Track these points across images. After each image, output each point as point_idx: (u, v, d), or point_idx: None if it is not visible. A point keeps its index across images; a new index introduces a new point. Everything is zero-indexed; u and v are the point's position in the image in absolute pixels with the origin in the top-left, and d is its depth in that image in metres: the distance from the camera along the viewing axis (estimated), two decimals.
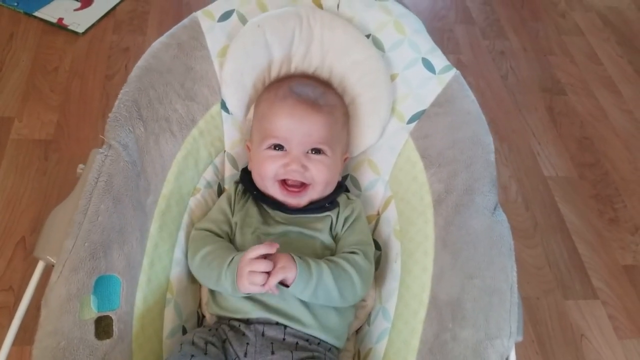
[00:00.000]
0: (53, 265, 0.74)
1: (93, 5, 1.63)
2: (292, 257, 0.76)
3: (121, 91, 0.87)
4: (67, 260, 0.72)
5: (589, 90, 1.71)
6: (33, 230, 1.16)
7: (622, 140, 1.59)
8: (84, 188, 0.76)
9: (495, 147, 1.48)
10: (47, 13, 1.59)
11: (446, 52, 1.75)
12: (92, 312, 0.73)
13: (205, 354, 0.72)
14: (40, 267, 0.76)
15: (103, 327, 0.74)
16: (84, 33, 1.56)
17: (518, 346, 1.08)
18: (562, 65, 1.78)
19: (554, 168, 1.48)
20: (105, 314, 0.74)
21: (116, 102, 0.85)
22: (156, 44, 0.93)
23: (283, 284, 0.76)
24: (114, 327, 0.74)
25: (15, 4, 1.59)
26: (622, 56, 1.84)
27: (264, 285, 0.73)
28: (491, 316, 0.75)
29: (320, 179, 0.84)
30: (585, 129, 1.60)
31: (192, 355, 0.71)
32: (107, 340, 0.73)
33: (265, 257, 0.75)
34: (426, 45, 0.97)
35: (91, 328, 0.72)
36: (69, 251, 0.72)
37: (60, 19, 1.58)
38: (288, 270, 0.75)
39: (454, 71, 0.96)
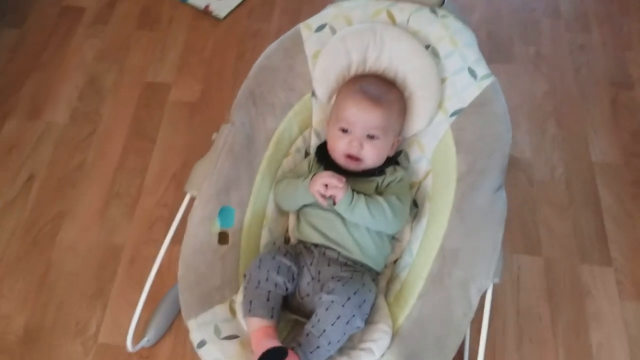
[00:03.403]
0: (195, 198, 1.14)
1: None
2: (348, 187, 1.12)
3: (243, 83, 1.23)
4: (204, 197, 1.11)
5: None
6: (182, 167, 1.58)
7: None
8: (215, 150, 1.15)
9: (553, 132, 1.73)
10: (196, 1, 1.97)
11: (527, 43, 1.95)
12: (217, 227, 1.12)
13: (284, 255, 1.09)
14: (187, 197, 1.15)
15: (222, 237, 1.13)
16: (224, 18, 1.93)
17: (530, 293, 1.42)
18: (636, 60, 1.86)
19: (603, 154, 1.64)
20: (224, 229, 1.13)
21: (239, 91, 1.22)
22: (270, 47, 1.27)
23: (334, 201, 1.11)
24: (229, 238, 1.14)
25: None
26: None
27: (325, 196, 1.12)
28: (477, 263, 1.05)
29: (369, 157, 1.17)
30: None
31: (276, 253, 1.09)
32: (225, 246, 1.12)
33: None
34: (473, 56, 1.22)
35: (215, 237, 1.12)
36: (206, 191, 1.12)
37: (207, 6, 1.96)
38: (343, 189, 1.10)
39: (492, 79, 1.20)
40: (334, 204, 1.12)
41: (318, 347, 0.97)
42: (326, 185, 1.11)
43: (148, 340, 1.30)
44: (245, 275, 1.09)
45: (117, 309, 1.38)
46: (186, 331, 1.31)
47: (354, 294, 1.02)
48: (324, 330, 0.98)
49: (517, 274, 1.45)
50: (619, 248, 1.49)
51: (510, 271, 1.45)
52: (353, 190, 1.13)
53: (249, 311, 1.04)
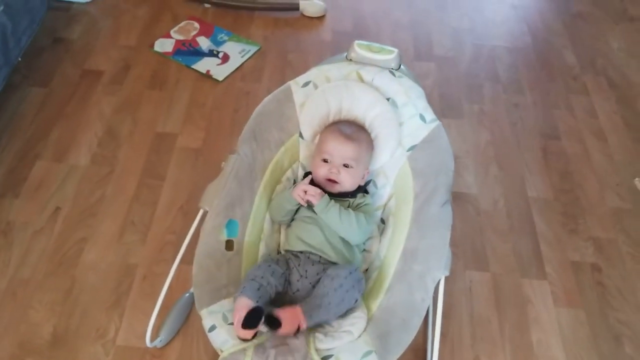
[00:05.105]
0: (207, 212, 1.39)
1: (229, 62, 2.30)
2: (325, 194, 1.39)
3: (247, 124, 1.50)
4: (215, 211, 1.35)
5: (580, 138, 2.12)
6: (187, 201, 1.81)
7: (597, 176, 2.00)
8: (224, 174, 1.41)
9: (494, 172, 2.03)
10: (199, 66, 2.27)
11: (472, 102, 2.29)
12: (224, 236, 1.36)
13: (277, 263, 1.34)
14: (200, 212, 1.39)
15: (229, 244, 1.36)
16: (222, 81, 2.23)
17: (481, 301, 1.67)
18: (563, 117, 2.20)
19: (537, 191, 1.94)
20: (230, 238, 1.37)
21: (244, 129, 1.48)
22: (266, 99, 1.56)
23: (312, 204, 1.39)
24: (234, 245, 1.37)
25: (180, 59, 2.33)
26: (617, 112, 2.24)
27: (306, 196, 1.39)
28: (431, 259, 1.30)
29: (344, 182, 1.44)
30: (568, 165, 2.03)
31: (271, 262, 1.33)
32: (230, 252, 1.35)
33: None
34: (422, 106, 1.53)
35: (223, 244, 1.34)
36: (216, 206, 1.36)
37: (208, 71, 2.26)
38: (319, 196, 1.38)
39: (437, 122, 1.51)
40: (312, 205, 1.39)
41: (319, 305, 1.21)
42: (305, 192, 1.39)
43: (160, 341, 1.48)
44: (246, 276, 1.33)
45: (132, 317, 1.56)
46: (192, 336, 1.53)
47: (355, 270, 1.29)
48: (327, 293, 1.22)
49: (470, 287, 1.70)
50: (552, 265, 1.75)
51: (464, 284, 1.70)
52: (328, 198, 1.41)
53: (240, 292, 1.24)
